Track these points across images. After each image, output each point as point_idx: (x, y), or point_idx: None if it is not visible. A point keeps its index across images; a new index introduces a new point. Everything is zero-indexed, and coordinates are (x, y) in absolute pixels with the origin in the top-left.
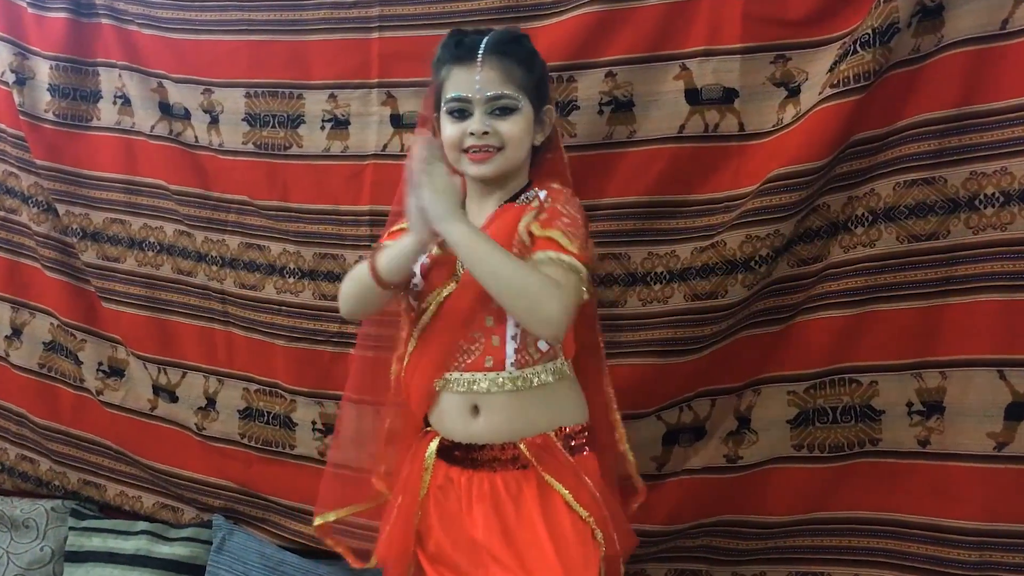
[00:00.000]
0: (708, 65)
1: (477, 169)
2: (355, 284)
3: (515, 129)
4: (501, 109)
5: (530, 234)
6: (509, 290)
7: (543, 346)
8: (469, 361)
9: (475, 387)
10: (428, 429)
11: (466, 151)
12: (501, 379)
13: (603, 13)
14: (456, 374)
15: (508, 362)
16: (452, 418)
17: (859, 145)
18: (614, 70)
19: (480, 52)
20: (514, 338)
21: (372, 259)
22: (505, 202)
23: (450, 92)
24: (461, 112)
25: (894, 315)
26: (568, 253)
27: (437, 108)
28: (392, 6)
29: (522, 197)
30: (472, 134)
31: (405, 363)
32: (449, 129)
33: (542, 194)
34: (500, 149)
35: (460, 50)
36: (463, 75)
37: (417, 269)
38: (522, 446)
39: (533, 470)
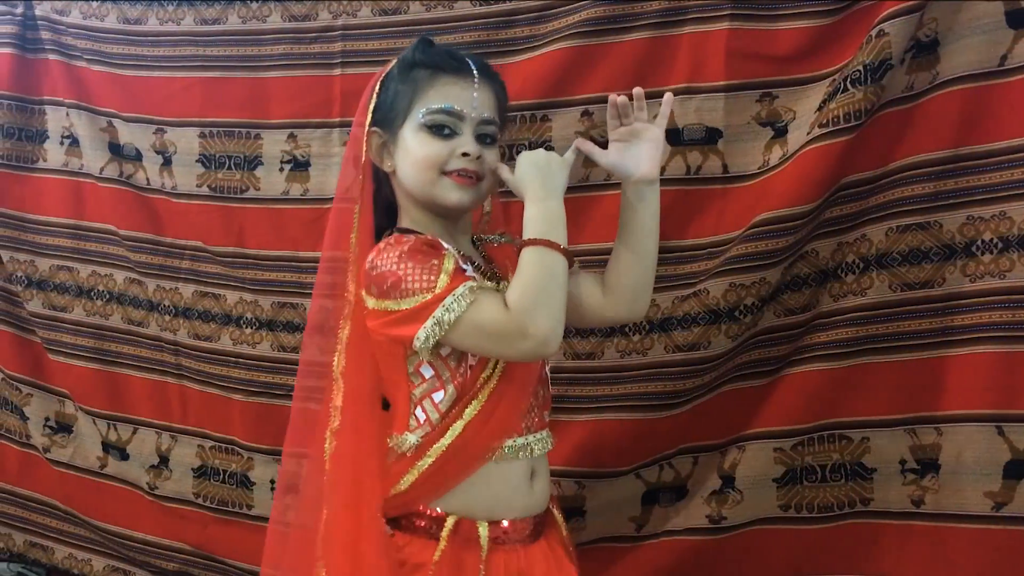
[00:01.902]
0: (690, 104)
1: (460, 195)
2: (558, 284)
3: (495, 162)
4: (489, 136)
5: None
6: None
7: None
8: (533, 420)
9: (534, 451)
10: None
11: (449, 173)
12: (547, 437)
13: (580, 48)
14: (519, 439)
15: (534, 422)
16: (507, 491)
17: (850, 188)
18: (591, 108)
19: (476, 68)
20: (536, 394)
21: (555, 245)
22: (488, 241)
23: (437, 102)
24: (446, 129)
25: (886, 367)
26: None
27: (390, 121)
28: (355, 41)
29: (502, 239)
30: (465, 154)
31: (456, 432)
32: (429, 145)
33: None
34: (482, 179)
35: (452, 60)
36: (456, 88)
37: None
38: (554, 510)
39: (556, 533)
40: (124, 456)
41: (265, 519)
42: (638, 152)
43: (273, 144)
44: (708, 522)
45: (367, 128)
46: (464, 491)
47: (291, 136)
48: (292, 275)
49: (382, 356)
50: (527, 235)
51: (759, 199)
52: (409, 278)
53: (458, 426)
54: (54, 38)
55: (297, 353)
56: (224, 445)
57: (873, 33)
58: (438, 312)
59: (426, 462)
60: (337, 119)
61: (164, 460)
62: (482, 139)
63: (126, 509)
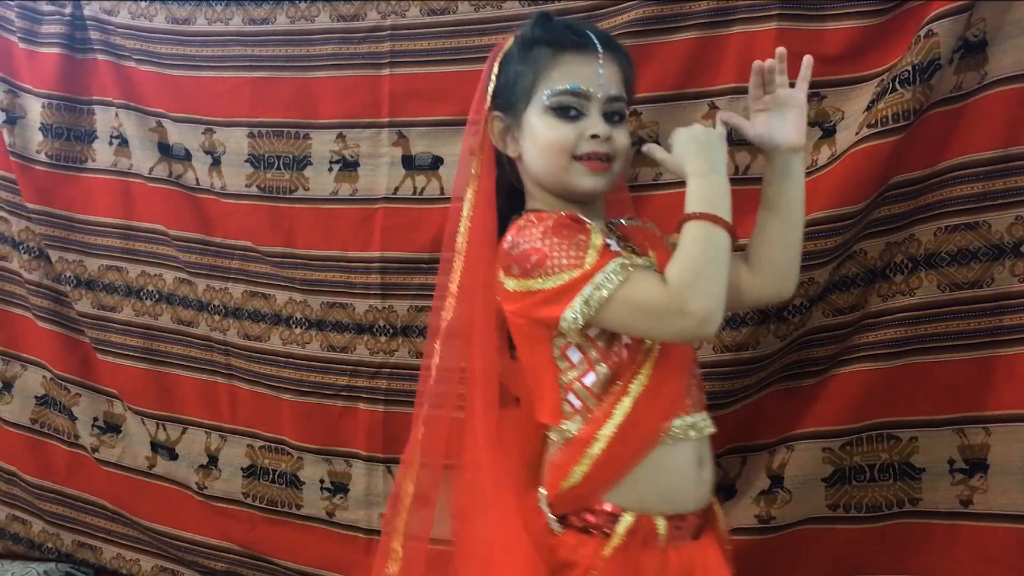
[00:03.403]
0: (739, 104)
1: (594, 181)
2: (722, 261)
3: (626, 142)
4: (617, 115)
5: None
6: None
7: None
8: (693, 399)
9: (702, 430)
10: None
11: (580, 158)
12: (707, 418)
13: (628, 48)
14: (687, 417)
15: (691, 400)
16: (679, 479)
17: (898, 188)
18: (639, 108)
19: (599, 43)
20: (692, 372)
21: (721, 220)
22: (625, 224)
23: (562, 83)
24: (572, 111)
25: (935, 367)
26: None
27: (512, 104)
28: (404, 41)
29: (637, 223)
30: (595, 136)
31: (625, 410)
32: (556, 129)
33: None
34: (613, 161)
35: (574, 35)
36: (580, 65)
37: None
38: (715, 503)
39: (716, 529)
40: (173, 456)
41: (314, 519)
42: (783, 120)
43: (322, 144)
44: (757, 522)
45: (487, 112)
46: (636, 481)
47: (340, 136)
48: (341, 275)
49: (522, 343)
50: (690, 211)
51: (808, 199)
52: (555, 255)
53: (626, 403)
54: (103, 38)
55: (347, 353)
56: (273, 445)
57: (921, 33)
58: (587, 290)
59: (596, 448)
60: (386, 119)
61: (213, 460)
62: (610, 118)
63: (175, 509)
